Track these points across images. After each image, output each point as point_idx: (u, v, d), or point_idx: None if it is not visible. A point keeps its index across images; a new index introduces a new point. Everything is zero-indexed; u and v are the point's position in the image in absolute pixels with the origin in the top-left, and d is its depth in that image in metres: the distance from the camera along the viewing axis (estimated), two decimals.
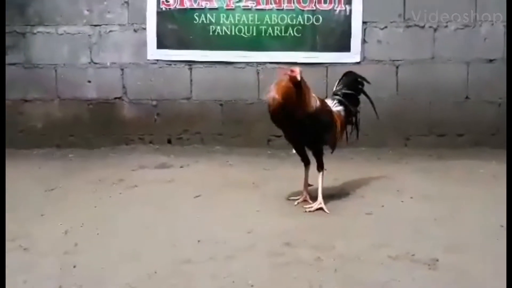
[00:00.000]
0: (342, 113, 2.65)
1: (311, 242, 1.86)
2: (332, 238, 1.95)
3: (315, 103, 2.36)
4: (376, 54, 4.21)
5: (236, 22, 4.21)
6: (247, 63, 4.27)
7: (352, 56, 4.24)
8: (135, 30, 4.23)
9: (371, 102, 2.86)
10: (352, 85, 2.80)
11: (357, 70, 4.15)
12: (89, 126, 4.32)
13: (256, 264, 1.71)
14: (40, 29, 4.26)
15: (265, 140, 4.24)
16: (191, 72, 4.32)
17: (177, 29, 4.22)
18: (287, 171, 3.08)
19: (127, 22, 4.23)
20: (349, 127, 2.76)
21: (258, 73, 4.27)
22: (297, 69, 2.26)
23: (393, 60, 4.25)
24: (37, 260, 1.75)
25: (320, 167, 2.48)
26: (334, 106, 2.65)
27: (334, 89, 2.81)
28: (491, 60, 4.22)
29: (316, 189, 2.43)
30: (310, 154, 2.55)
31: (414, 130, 4.28)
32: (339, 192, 2.71)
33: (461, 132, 4.26)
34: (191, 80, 4.32)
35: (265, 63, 4.26)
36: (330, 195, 2.54)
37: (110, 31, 4.23)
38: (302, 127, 2.32)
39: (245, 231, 2.05)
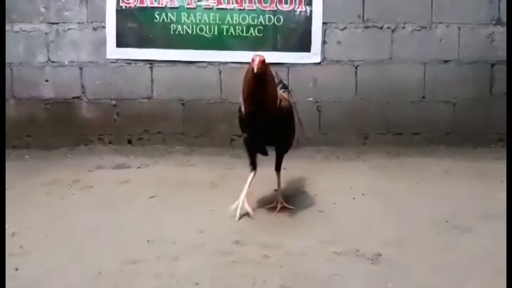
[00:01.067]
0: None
1: (260, 241, 1.90)
2: (282, 236, 1.99)
3: (282, 97, 2.27)
4: (336, 54, 4.29)
5: (197, 21, 4.21)
6: (209, 63, 4.28)
7: (313, 56, 4.31)
8: (94, 29, 4.18)
9: None
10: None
11: (317, 70, 4.28)
12: (46, 126, 4.24)
13: (203, 263, 1.73)
14: None
15: (228, 140, 4.26)
16: (152, 71, 4.29)
17: (137, 28, 4.19)
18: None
19: (86, 20, 4.17)
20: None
21: (220, 72, 4.29)
22: (257, 59, 2.07)
23: (353, 61, 4.34)
24: None
25: (280, 167, 2.46)
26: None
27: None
28: (446, 61, 4.37)
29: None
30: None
31: (372, 129, 4.38)
32: (294, 191, 2.76)
33: (418, 131, 4.39)
34: (152, 79, 4.29)
35: (227, 62, 4.28)
36: (285, 194, 2.58)
37: (68, 29, 4.17)
38: (274, 124, 2.19)
39: (196, 231, 2.07)
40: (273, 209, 2.36)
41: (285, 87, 2.61)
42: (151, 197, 2.62)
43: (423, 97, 4.36)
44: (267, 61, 2.17)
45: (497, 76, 4.35)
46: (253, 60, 2.10)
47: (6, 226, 2.13)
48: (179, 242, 1.94)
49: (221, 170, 3.35)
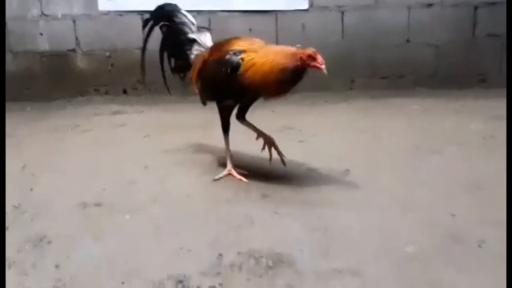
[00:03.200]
0: None
1: (243, 163, 2.18)
2: (262, 160, 2.28)
3: None
4: (323, 0, 4.44)
5: None
6: (199, 11, 4.43)
7: (300, 2, 4.46)
8: None
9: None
10: None
11: (305, 16, 4.44)
12: (43, 79, 4.45)
13: (191, 179, 2.03)
14: None
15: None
16: (142, 22, 4.44)
17: None
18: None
19: None
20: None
21: (209, 21, 4.45)
22: (318, 56, 1.89)
23: (339, 6, 4.49)
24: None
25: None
26: None
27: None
28: (429, 5, 4.52)
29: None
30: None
31: (359, 73, 4.59)
32: (280, 127, 3.02)
33: (403, 73, 4.60)
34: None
35: (216, 11, 4.44)
36: (271, 131, 2.84)
37: None
38: None
39: (186, 159, 2.37)
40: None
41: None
42: (145, 136, 2.90)
43: (408, 40, 4.54)
44: None
45: (479, 18, 4.52)
46: (312, 57, 1.85)
47: (16, 161, 2.41)
48: (173, 166, 2.23)
49: (209, 114, 3.59)
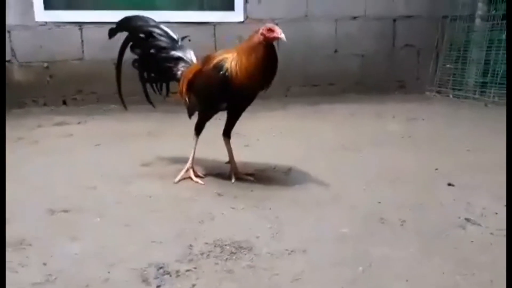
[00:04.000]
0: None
1: (199, 161, 2.42)
2: (214, 162, 2.53)
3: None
4: (257, 13, 4.79)
5: None
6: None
7: (236, 15, 4.78)
8: None
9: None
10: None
11: (241, 28, 4.75)
12: None
13: (149, 183, 2.24)
14: None
15: (161, 98, 4.68)
16: (81, 32, 4.55)
17: None
18: (181, 122, 3.56)
19: None
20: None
21: None
22: (276, 28, 2.03)
23: (273, 19, 4.86)
24: None
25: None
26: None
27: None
28: (355, 17, 5.03)
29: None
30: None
31: (293, 81, 5.00)
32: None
33: (332, 81, 5.07)
34: (82, 41, 4.55)
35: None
36: (219, 138, 3.09)
37: None
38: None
39: (141, 165, 2.56)
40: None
41: None
42: (96, 145, 3.04)
43: (336, 51, 5.01)
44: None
45: (398, 30, 5.10)
46: (271, 29, 1.99)
47: None
48: (128, 173, 2.42)
49: (156, 123, 3.79)
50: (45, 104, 4.55)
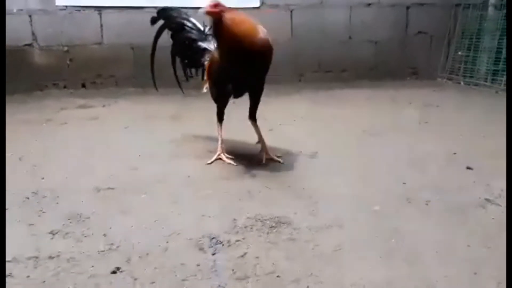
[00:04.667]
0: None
1: (226, 149, 2.57)
2: (243, 144, 2.68)
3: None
4: None
5: None
6: (156, 8, 4.71)
7: (252, 1, 4.88)
8: None
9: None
10: None
11: (257, 14, 4.85)
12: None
13: (185, 163, 2.40)
14: None
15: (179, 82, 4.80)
16: (100, 17, 4.66)
17: None
18: (201, 105, 3.71)
19: None
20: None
21: None
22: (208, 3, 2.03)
23: (288, 5, 4.97)
24: (6, 177, 2.25)
25: (256, 113, 2.43)
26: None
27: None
28: (369, 4, 5.13)
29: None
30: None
31: (307, 67, 5.12)
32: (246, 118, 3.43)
33: (345, 68, 5.19)
34: (101, 25, 4.67)
35: (176, 8, 4.73)
36: (240, 121, 3.23)
37: None
38: (257, 64, 2.15)
39: (172, 146, 2.72)
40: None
41: None
42: (125, 127, 3.19)
43: (350, 37, 5.13)
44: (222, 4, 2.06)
45: (411, 18, 5.20)
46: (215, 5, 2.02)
47: (8, 154, 2.62)
48: (163, 153, 2.57)
49: (176, 106, 3.94)
50: (65, 87, 4.69)
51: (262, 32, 2.13)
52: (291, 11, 4.95)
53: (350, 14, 5.08)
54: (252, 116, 2.46)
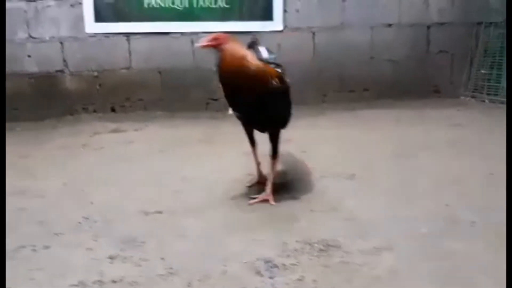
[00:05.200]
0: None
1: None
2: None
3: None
4: (295, 22, 5.00)
5: None
6: (182, 33, 4.85)
7: (275, 24, 4.99)
8: (71, 5, 4.60)
9: None
10: None
11: (280, 37, 4.96)
12: (32, 99, 4.66)
13: (227, 187, 2.45)
14: None
15: (204, 104, 4.90)
16: (129, 43, 4.79)
17: (114, 3, 4.66)
18: (228, 129, 3.74)
19: None
20: None
21: (192, 42, 4.86)
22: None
23: (310, 27, 5.06)
24: (55, 202, 2.32)
25: (275, 152, 2.28)
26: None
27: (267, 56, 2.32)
28: (389, 25, 5.20)
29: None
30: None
31: (330, 87, 5.18)
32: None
33: (367, 87, 5.24)
34: (129, 51, 4.80)
35: (198, 32, 4.85)
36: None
37: (47, 6, 4.56)
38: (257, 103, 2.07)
39: (213, 168, 2.78)
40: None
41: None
42: (161, 151, 3.26)
43: (371, 57, 5.19)
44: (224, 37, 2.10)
45: (431, 37, 5.26)
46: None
47: (52, 180, 2.70)
48: (204, 177, 2.63)
49: (205, 129, 4.00)
50: (95, 111, 4.79)
51: (253, 65, 2.04)
52: (313, 33, 5.04)
53: (371, 35, 5.15)
54: (270, 153, 2.30)
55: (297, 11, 5.01)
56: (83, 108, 4.80)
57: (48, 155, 3.32)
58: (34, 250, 1.77)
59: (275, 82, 2.08)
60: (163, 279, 1.58)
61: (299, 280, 1.56)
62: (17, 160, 3.20)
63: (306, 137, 3.48)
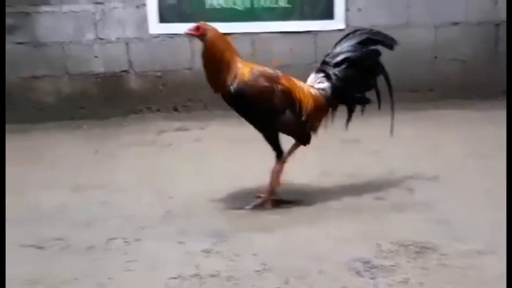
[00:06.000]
0: (327, 92, 2.14)
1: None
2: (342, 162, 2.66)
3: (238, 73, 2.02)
4: (357, 21, 4.88)
5: None
6: (242, 34, 4.84)
7: (337, 23, 4.89)
8: (137, 6, 4.68)
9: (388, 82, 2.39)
10: (359, 50, 2.29)
11: (341, 36, 4.87)
12: (98, 99, 4.78)
13: (308, 186, 2.40)
14: (46, 8, 4.61)
15: None
16: (191, 43, 4.83)
17: (176, 4, 4.71)
18: None
19: None
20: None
21: (253, 42, 4.84)
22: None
23: (373, 26, 4.92)
24: (135, 196, 2.35)
25: (279, 155, 2.17)
26: (316, 82, 2.17)
27: (329, 55, 2.27)
28: (456, 23, 5.00)
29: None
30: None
31: (397, 89, 5.02)
32: (345, 139, 3.37)
33: (432, 87, 5.05)
34: (192, 51, 4.83)
35: (258, 33, 4.84)
36: (344, 143, 3.17)
37: (113, 7, 4.66)
38: (232, 103, 2.11)
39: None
40: None
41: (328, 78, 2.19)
42: (228, 149, 3.26)
43: (435, 57, 5.01)
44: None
45: (501, 35, 5.02)
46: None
47: (130, 173, 2.73)
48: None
49: None
50: (158, 110, 4.85)
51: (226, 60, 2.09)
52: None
53: (435, 33, 4.97)
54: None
55: (359, 10, 4.90)
56: (147, 107, 4.88)
57: (119, 152, 3.38)
58: (126, 242, 1.78)
59: (238, 82, 2.04)
60: (259, 275, 1.54)
61: (403, 282, 1.48)
62: (91, 156, 3.28)
63: (375, 137, 3.37)
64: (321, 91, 2.12)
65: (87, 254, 1.69)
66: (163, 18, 4.71)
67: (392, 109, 2.31)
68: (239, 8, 4.76)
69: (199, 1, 4.70)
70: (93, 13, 4.63)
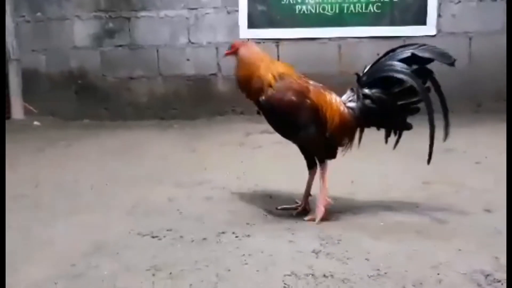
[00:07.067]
0: (355, 113, 2.02)
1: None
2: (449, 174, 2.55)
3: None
4: (450, 27, 4.71)
5: (320, 0, 4.75)
6: (329, 39, 4.82)
7: (428, 29, 4.74)
8: (228, 12, 4.82)
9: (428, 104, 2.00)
10: (395, 70, 1.96)
11: (432, 42, 4.68)
12: (188, 100, 4.97)
13: (407, 190, 2.33)
14: (143, 13, 4.88)
15: None
16: (278, 48, 4.88)
17: (266, 10, 4.79)
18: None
19: (221, 5, 4.82)
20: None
21: (339, 47, 4.81)
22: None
23: (466, 32, 4.73)
24: (235, 193, 2.40)
25: (313, 164, 2.14)
26: (348, 100, 2.06)
27: (365, 72, 2.07)
28: None
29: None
30: None
31: (485, 96, 4.79)
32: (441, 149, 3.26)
33: None
34: (278, 56, 4.88)
35: (346, 38, 4.80)
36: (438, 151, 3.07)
37: (206, 13, 4.83)
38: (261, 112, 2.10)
39: (382, 175, 2.67)
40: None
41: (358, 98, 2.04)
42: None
43: None
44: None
45: None
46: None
47: (225, 172, 2.80)
48: (374, 183, 2.54)
49: None
50: (241, 113, 4.96)
51: (258, 72, 2.02)
52: (470, 38, 4.70)
53: None
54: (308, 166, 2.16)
55: (453, 15, 4.72)
56: (232, 110, 5.00)
57: (213, 151, 3.49)
58: (237, 237, 1.82)
59: (270, 92, 2.00)
60: (374, 280, 1.51)
61: None
62: (188, 154, 3.41)
63: (472, 146, 3.22)
64: (350, 111, 2.03)
65: (201, 246, 1.75)
66: (252, 23, 4.82)
67: (446, 133, 2.10)
68: (328, 13, 4.76)
69: (289, 7, 4.76)
70: (187, 18, 4.83)
